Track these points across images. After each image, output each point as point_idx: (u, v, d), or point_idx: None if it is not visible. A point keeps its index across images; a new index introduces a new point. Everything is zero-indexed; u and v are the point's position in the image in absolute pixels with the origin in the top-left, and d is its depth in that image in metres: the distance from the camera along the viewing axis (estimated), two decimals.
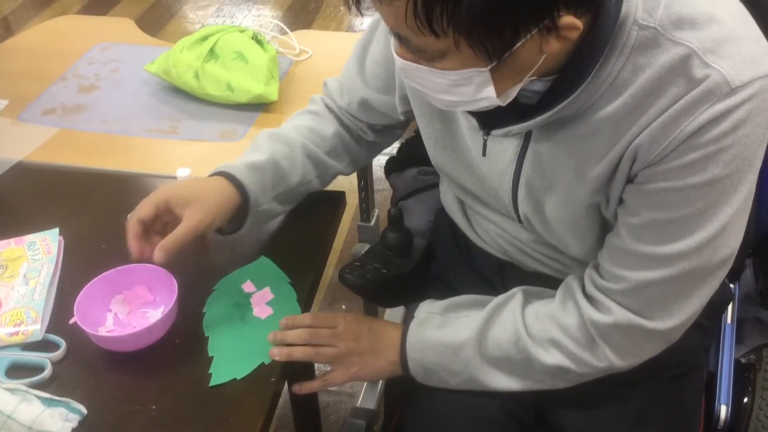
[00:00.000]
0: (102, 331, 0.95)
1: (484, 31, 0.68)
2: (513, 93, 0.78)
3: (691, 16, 0.74)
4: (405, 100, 1.03)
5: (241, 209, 1.00)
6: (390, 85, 1.04)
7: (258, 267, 1.05)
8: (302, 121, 1.12)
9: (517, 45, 0.70)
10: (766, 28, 0.79)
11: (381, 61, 1.03)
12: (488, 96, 0.76)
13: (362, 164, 1.19)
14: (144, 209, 0.93)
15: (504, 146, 0.90)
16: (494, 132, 0.87)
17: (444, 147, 0.99)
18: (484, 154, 0.92)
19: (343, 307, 2.03)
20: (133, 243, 0.92)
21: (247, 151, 1.07)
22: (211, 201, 0.96)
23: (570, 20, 0.69)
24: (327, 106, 1.14)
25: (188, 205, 0.94)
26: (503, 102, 0.78)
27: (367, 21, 1.06)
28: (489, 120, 0.86)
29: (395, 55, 0.79)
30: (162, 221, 0.96)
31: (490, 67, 0.72)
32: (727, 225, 0.79)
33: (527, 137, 0.88)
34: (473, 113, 0.87)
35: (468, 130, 0.94)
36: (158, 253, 0.91)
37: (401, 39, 0.75)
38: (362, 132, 1.15)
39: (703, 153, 0.75)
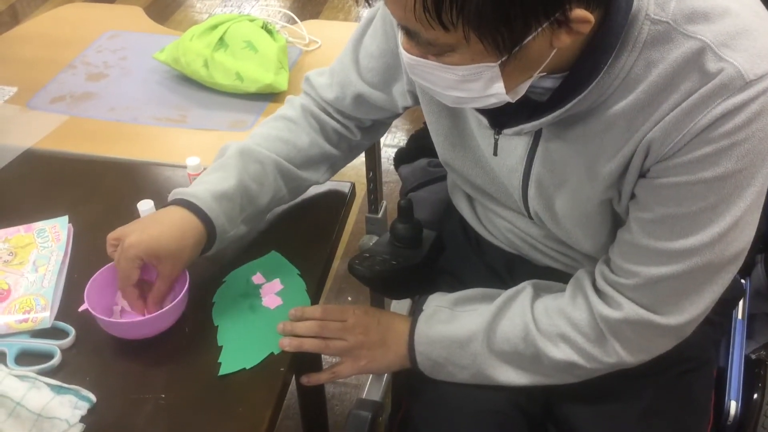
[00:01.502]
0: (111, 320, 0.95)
1: (494, 24, 0.67)
2: (522, 89, 0.77)
3: (704, 10, 0.74)
4: (411, 95, 1.02)
5: (209, 239, 0.97)
6: (386, 80, 1.03)
7: (268, 260, 1.05)
8: (276, 131, 1.06)
9: (528, 39, 0.69)
10: None
11: (376, 54, 1.02)
12: (497, 92, 0.75)
13: (340, 168, 1.14)
14: (133, 278, 0.92)
15: (514, 143, 0.90)
16: (505, 131, 0.86)
17: (453, 144, 0.98)
18: (495, 153, 0.92)
19: (349, 298, 2.03)
20: (138, 305, 0.94)
21: (214, 166, 1.02)
22: (183, 252, 0.93)
23: (582, 13, 0.68)
24: (306, 110, 1.09)
25: (161, 262, 0.92)
26: (512, 98, 0.77)
27: None
28: (499, 119, 0.85)
29: (402, 51, 0.78)
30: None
31: (500, 61, 0.72)
32: (739, 220, 0.78)
33: (537, 135, 0.87)
34: (483, 112, 0.86)
35: (477, 127, 0.93)
36: (152, 309, 0.93)
37: (409, 32, 0.74)
38: (348, 131, 1.11)
39: (716, 147, 0.74)
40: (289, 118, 1.08)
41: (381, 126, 1.14)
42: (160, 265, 0.92)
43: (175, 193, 0.97)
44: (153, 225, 0.94)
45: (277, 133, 1.06)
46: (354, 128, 1.11)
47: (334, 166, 1.12)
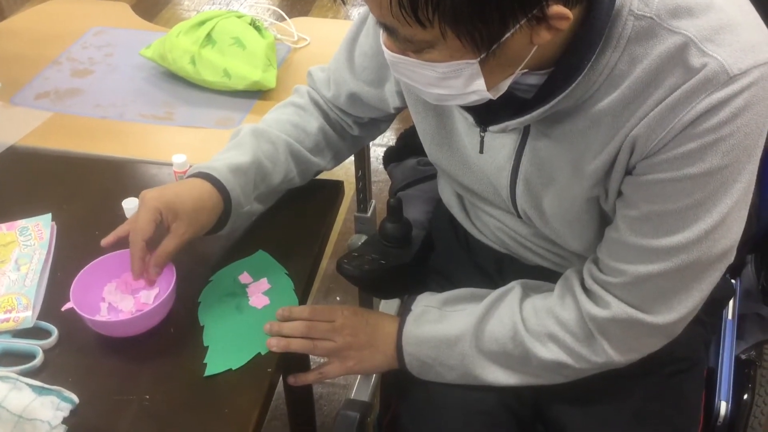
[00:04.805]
0: (98, 318, 0.93)
1: (470, 21, 0.67)
2: (504, 86, 0.77)
3: (688, 5, 0.73)
4: (400, 95, 1.02)
5: (224, 212, 0.99)
6: (379, 78, 1.03)
7: (255, 260, 1.04)
8: (286, 116, 1.10)
9: (506, 36, 0.69)
10: (766, 16, 0.77)
11: (370, 54, 1.02)
12: (478, 89, 0.75)
13: (344, 159, 1.17)
14: (147, 231, 0.92)
15: (502, 142, 0.89)
16: (491, 128, 0.86)
17: (440, 144, 0.98)
18: (481, 151, 0.91)
19: (338, 298, 2.02)
20: (139, 264, 0.92)
21: (228, 146, 1.05)
22: (201, 213, 0.95)
23: (559, 9, 0.68)
24: (312, 99, 1.12)
25: (177, 219, 0.93)
26: (494, 96, 0.77)
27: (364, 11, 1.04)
28: (485, 116, 0.85)
29: (384, 48, 0.78)
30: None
31: (479, 59, 0.71)
32: (726, 216, 0.78)
33: (525, 133, 0.87)
34: (469, 109, 0.85)
35: (464, 126, 0.93)
36: (153, 270, 0.93)
37: (388, 29, 0.73)
38: (347, 126, 1.13)
39: (701, 143, 0.74)
40: (298, 105, 1.11)
41: (380, 123, 1.15)
42: (176, 221, 0.93)
43: (193, 168, 1.00)
44: (172, 186, 0.97)
45: (287, 117, 1.09)
46: (352, 123, 1.13)
47: (338, 154, 1.14)
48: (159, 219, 0.92)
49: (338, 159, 1.15)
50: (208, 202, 0.96)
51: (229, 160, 1.00)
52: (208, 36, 1.47)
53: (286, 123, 1.08)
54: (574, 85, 0.76)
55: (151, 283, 0.96)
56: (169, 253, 0.93)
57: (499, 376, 0.93)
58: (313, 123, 1.10)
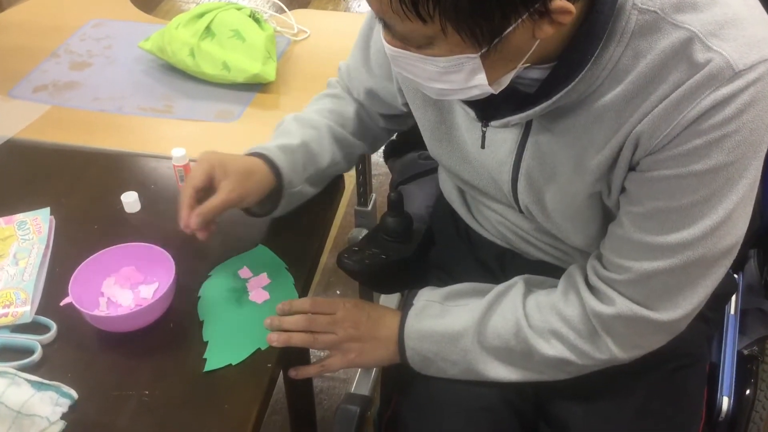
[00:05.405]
0: (96, 313, 0.93)
1: (471, 17, 0.67)
2: (506, 81, 0.77)
3: None
4: (400, 92, 1.02)
5: (275, 191, 1.00)
6: (391, 74, 1.03)
7: (255, 254, 1.04)
8: (324, 105, 1.12)
9: (508, 30, 0.68)
10: None
11: (383, 50, 1.01)
12: (480, 84, 0.75)
13: (381, 144, 1.21)
14: (198, 178, 0.94)
15: (504, 136, 0.89)
16: (493, 123, 0.85)
17: (440, 139, 0.98)
18: (482, 146, 0.91)
19: (338, 292, 2.01)
20: (186, 212, 0.93)
21: (275, 134, 1.08)
22: (250, 178, 0.97)
23: (562, 3, 0.67)
24: (344, 88, 1.14)
25: (227, 177, 0.94)
26: (495, 90, 0.77)
27: (365, 4, 1.04)
28: (487, 110, 0.84)
29: (384, 42, 0.77)
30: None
31: (480, 53, 0.71)
32: (732, 213, 0.78)
33: (527, 127, 0.86)
34: (470, 104, 0.85)
35: (465, 121, 0.92)
36: (195, 219, 0.92)
37: (386, 25, 0.73)
38: (372, 118, 1.14)
39: (707, 139, 0.73)
40: (333, 95, 1.14)
41: (406, 118, 1.14)
42: (225, 179, 0.94)
43: (245, 150, 1.03)
44: (226, 154, 0.99)
45: (325, 105, 1.12)
46: (376, 115, 1.14)
47: (376, 139, 1.17)
48: (212, 174, 0.94)
49: (376, 144, 1.18)
50: (259, 171, 0.98)
51: (278, 142, 1.03)
52: (208, 28, 1.45)
53: (325, 111, 1.11)
54: (577, 79, 0.75)
55: (203, 234, 0.95)
56: (214, 206, 0.93)
57: (501, 372, 0.92)
58: (350, 108, 1.12)
